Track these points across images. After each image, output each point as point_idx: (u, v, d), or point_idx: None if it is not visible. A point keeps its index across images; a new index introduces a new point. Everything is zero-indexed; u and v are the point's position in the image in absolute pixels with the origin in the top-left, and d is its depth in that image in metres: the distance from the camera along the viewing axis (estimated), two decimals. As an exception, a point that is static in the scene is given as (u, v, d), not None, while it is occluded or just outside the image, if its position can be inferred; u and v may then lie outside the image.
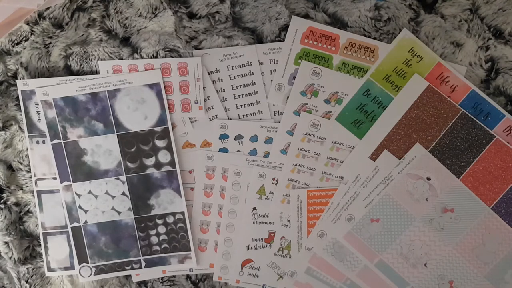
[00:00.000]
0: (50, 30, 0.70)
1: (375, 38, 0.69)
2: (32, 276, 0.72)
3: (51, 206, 0.71)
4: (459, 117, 0.67)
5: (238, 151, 0.70)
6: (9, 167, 0.72)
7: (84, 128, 0.69)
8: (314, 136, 0.69)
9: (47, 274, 0.72)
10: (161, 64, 0.69)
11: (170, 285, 0.72)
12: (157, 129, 0.69)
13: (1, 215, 0.71)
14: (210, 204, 0.71)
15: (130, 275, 0.72)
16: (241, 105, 0.70)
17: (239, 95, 0.70)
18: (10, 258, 0.71)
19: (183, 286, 0.72)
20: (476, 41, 0.68)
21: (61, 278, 0.72)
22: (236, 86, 0.70)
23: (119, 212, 0.70)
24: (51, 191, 0.70)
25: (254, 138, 0.70)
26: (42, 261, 0.71)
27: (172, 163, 0.70)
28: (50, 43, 0.70)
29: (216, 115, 0.70)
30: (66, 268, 0.71)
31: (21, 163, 0.71)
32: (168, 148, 0.70)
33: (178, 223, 0.70)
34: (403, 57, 0.68)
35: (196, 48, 0.70)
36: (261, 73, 0.70)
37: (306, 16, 0.69)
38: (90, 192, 0.70)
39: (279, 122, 0.70)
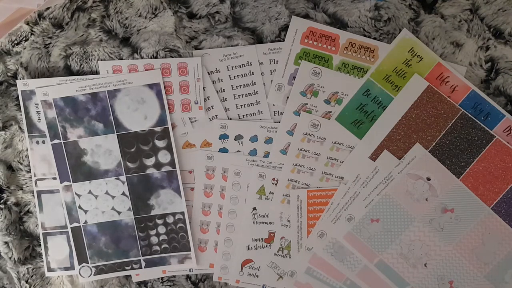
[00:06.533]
0: (50, 30, 0.70)
1: (375, 38, 0.69)
2: (32, 276, 0.72)
3: (51, 206, 0.71)
4: (459, 117, 0.67)
5: (238, 151, 0.70)
6: (9, 167, 0.72)
7: (84, 128, 0.69)
8: (314, 136, 0.69)
9: (47, 274, 0.72)
10: (161, 64, 0.69)
11: (170, 285, 0.72)
12: (157, 129, 0.69)
13: (1, 215, 0.71)
14: (210, 204, 0.71)
15: (130, 275, 0.72)
16: (241, 105, 0.70)
17: (239, 95, 0.70)
18: (10, 258, 0.71)
19: (183, 286, 0.72)
20: (476, 41, 0.68)
21: (61, 278, 0.72)
22: (236, 86, 0.70)
23: (119, 212, 0.70)
24: (51, 191, 0.70)
25: (254, 138, 0.70)
26: (42, 261, 0.71)
27: (172, 163, 0.70)
28: (50, 43, 0.70)
29: (216, 115, 0.70)
30: (66, 268, 0.71)
31: (21, 163, 0.71)
32: (168, 148, 0.70)
33: (178, 223, 0.70)
34: (403, 57, 0.68)
35: (196, 48, 0.70)
36: (261, 73, 0.70)
37: (306, 16, 0.69)
38: (90, 192, 0.70)
39: (279, 122, 0.70)
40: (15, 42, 0.70)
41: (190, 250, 0.71)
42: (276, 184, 0.70)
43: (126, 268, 0.71)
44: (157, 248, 0.71)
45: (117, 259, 0.71)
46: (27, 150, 0.71)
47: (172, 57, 0.69)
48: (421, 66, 0.68)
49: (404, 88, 0.68)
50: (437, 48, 0.68)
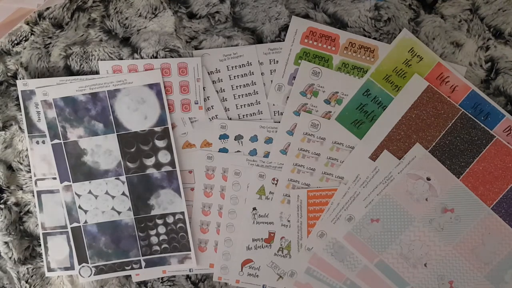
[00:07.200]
0: (50, 30, 0.70)
1: (375, 38, 0.69)
2: (32, 276, 0.72)
3: (51, 206, 0.71)
4: (459, 117, 0.67)
5: (238, 151, 0.70)
6: (9, 167, 0.72)
7: (84, 128, 0.69)
8: (314, 136, 0.69)
9: (47, 274, 0.72)
10: (161, 64, 0.69)
11: (170, 285, 0.72)
12: (157, 129, 0.69)
13: (1, 215, 0.71)
14: (210, 204, 0.71)
15: (130, 275, 0.72)
16: (241, 105, 0.70)
17: (239, 95, 0.70)
18: (10, 258, 0.71)
19: (183, 286, 0.72)
20: (476, 41, 0.68)
21: (61, 278, 0.72)
22: (236, 86, 0.70)
23: (119, 212, 0.70)
24: (51, 191, 0.70)
25: (254, 138, 0.70)
26: (42, 261, 0.71)
27: (172, 163, 0.70)
28: (50, 43, 0.70)
29: (216, 115, 0.70)
30: (66, 268, 0.71)
31: (21, 163, 0.71)
32: (168, 148, 0.70)
33: (178, 223, 0.70)
34: (403, 57, 0.68)
35: (196, 48, 0.70)
36: (261, 73, 0.70)
37: (306, 16, 0.69)
38: (90, 192, 0.70)
39: (279, 122, 0.70)
40: (15, 42, 0.70)
41: (190, 250, 0.71)
42: (276, 184, 0.70)
43: (126, 268, 0.71)
44: (157, 248, 0.71)
45: (117, 259, 0.71)
46: (27, 150, 0.71)
47: (172, 57, 0.69)
48: (421, 66, 0.68)
49: (404, 88, 0.68)
50: (437, 48, 0.68)
